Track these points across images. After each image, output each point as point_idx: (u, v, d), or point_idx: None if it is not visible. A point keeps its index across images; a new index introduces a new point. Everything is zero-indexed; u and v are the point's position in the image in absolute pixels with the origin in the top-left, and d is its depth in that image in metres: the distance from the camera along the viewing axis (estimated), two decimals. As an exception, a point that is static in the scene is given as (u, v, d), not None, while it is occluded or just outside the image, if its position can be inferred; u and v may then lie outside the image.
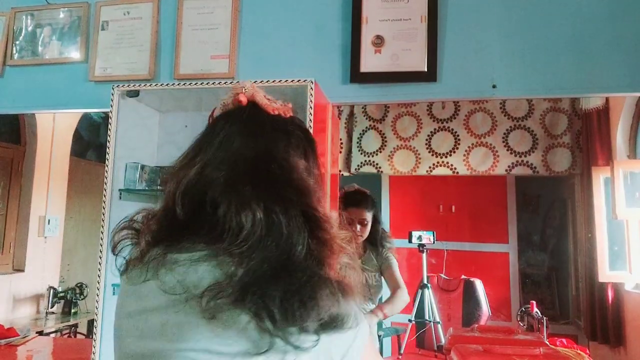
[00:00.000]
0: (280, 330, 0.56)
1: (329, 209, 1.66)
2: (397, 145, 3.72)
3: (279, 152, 0.71)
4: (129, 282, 0.69)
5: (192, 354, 0.58)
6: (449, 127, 3.66)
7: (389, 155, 3.73)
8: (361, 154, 3.82)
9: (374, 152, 3.79)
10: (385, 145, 3.76)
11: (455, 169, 3.60)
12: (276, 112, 0.77)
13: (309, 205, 0.66)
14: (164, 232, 0.67)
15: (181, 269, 0.62)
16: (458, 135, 3.63)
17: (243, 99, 0.77)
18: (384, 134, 3.78)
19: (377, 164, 3.77)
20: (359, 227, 2.23)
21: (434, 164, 3.65)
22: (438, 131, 3.68)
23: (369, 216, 2.26)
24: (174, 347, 0.59)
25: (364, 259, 2.28)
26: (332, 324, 0.59)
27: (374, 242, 2.32)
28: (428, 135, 3.69)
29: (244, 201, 0.63)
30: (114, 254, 0.74)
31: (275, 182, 0.67)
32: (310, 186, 0.69)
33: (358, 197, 2.26)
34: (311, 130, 1.41)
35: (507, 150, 3.52)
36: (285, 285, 0.58)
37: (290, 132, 0.76)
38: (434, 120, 3.71)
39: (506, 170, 3.51)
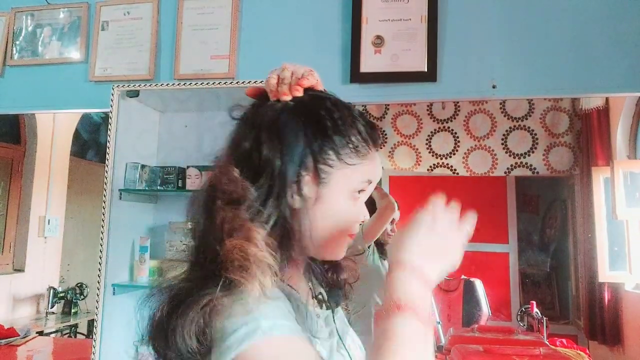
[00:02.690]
0: None
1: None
2: (398, 142, 3.72)
3: None
4: None
5: None
6: (449, 128, 3.66)
7: (390, 152, 3.73)
8: None
9: None
10: (385, 142, 3.76)
11: (455, 170, 3.60)
12: None
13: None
14: None
15: None
16: (458, 137, 3.63)
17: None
18: (383, 131, 3.78)
19: None
20: None
21: (433, 165, 3.66)
22: (438, 131, 3.68)
23: None
24: None
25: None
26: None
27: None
28: (428, 136, 3.69)
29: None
30: None
31: None
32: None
33: None
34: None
35: (506, 152, 3.53)
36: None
37: None
38: (434, 121, 3.71)
39: (505, 173, 3.52)
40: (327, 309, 0.75)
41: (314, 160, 0.64)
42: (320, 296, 0.75)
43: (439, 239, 0.63)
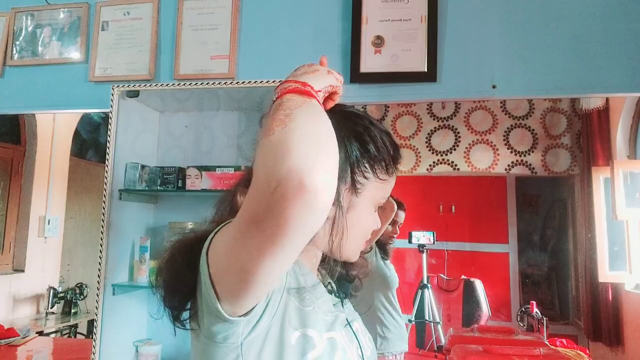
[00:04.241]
0: None
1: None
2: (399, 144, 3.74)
3: None
4: None
5: None
6: (449, 125, 3.67)
7: None
8: None
9: None
10: None
11: (456, 166, 3.60)
12: None
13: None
14: None
15: None
16: (459, 133, 3.63)
17: None
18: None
19: None
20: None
21: (434, 162, 3.66)
22: (438, 129, 3.68)
23: None
24: None
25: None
26: None
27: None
28: (428, 134, 3.69)
29: None
30: None
31: None
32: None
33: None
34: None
35: (508, 148, 3.54)
36: None
37: None
38: (434, 119, 3.71)
39: (506, 170, 3.53)
40: (336, 297, 0.79)
41: (351, 171, 0.70)
42: (329, 286, 0.79)
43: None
